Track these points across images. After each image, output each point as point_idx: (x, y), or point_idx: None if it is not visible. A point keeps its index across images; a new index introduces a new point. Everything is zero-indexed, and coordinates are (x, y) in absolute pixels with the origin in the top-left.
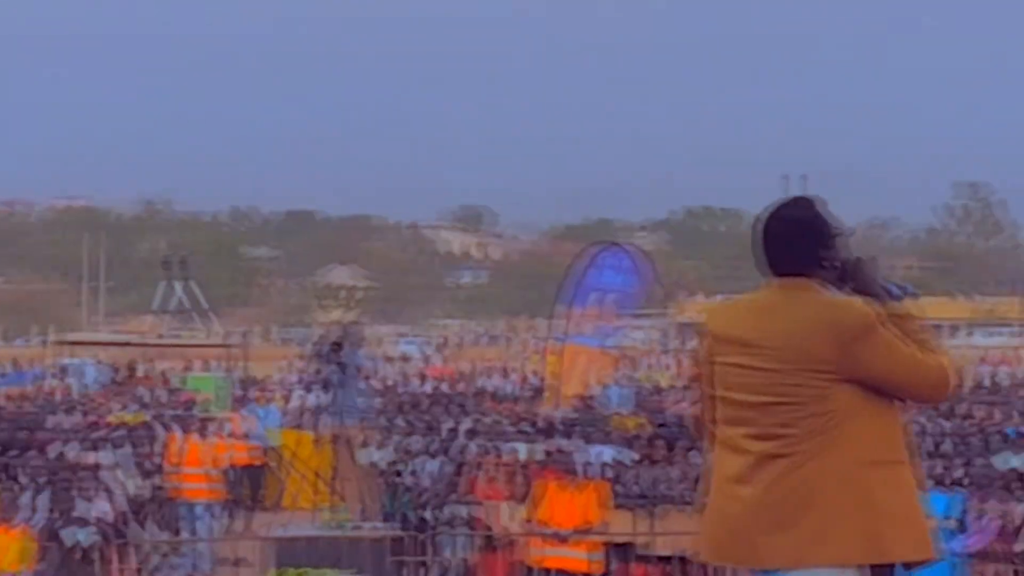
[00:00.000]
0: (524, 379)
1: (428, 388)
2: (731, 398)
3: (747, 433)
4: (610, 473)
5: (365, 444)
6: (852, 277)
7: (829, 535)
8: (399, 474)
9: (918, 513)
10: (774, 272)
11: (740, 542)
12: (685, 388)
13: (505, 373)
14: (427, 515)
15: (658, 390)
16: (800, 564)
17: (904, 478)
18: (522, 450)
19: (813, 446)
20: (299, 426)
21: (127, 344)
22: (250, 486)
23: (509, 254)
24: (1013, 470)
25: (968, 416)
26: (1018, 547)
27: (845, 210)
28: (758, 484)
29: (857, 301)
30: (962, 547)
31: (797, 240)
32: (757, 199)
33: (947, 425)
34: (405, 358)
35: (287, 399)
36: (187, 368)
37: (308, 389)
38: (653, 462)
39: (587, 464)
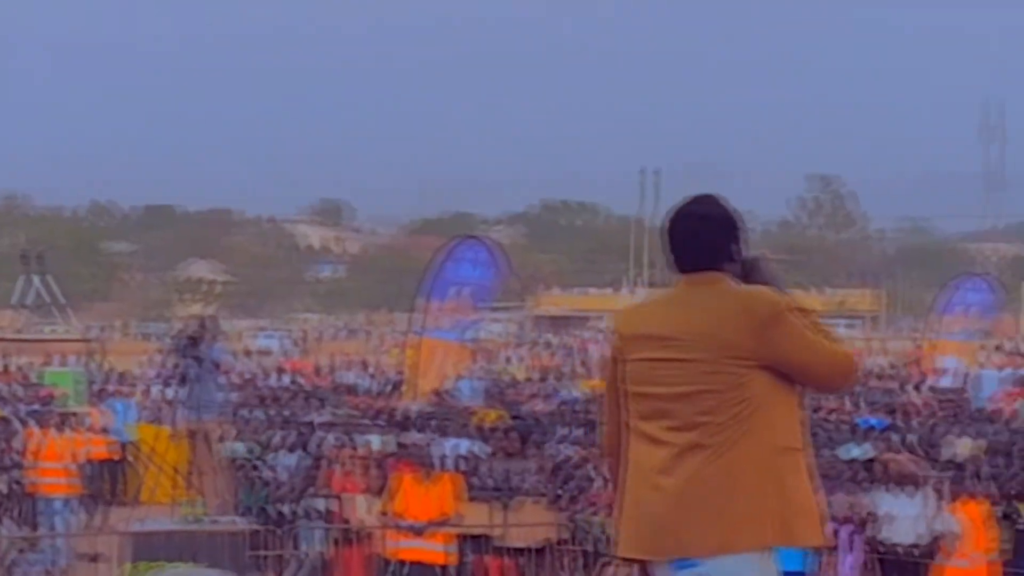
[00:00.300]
0: (382, 372)
1: (286, 382)
2: (649, 392)
3: (668, 425)
4: (465, 466)
5: (223, 438)
6: (751, 273)
7: (748, 522)
8: (256, 468)
9: (816, 500)
10: (685, 268)
11: (664, 534)
12: (541, 380)
13: (363, 367)
14: (285, 509)
15: (513, 383)
16: (722, 551)
17: (804, 465)
18: (377, 443)
19: (733, 434)
20: (157, 420)
21: None
22: (108, 481)
23: (367, 248)
24: (855, 460)
25: (817, 408)
26: (869, 534)
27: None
28: (680, 475)
29: (767, 289)
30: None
31: (708, 235)
32: (613, 193)
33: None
34: (264, 352)
35: (146, 393)
36: (45, 363)
37: (166, 383)
38: (507, 455)
39: (442, 457)
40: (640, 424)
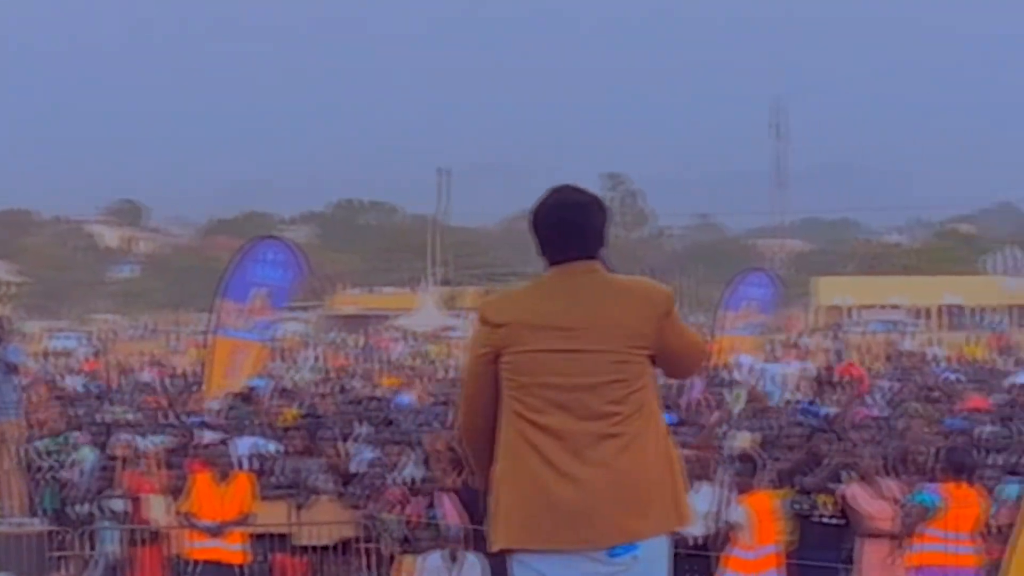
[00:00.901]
0: (179, 372)
1: (82, 382)
2: (549, 383)
3: (572, 416)
4: (257, 464)
5: (20, 440)
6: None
7: (662, 505)
8: (54, 469)
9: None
10: (570, 257)
11: (591, 523)
12: (335, 379)
13: (160, 366)
14: (82, 509)
15: (309, 382)
16: (638, 537)
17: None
18: (172, 443)
19: (638, 422)
20: None
21: None
22: None
23: (162, 248)
24: None
25: None
26: None
27: (492, 203)
28: (595, 464)
29: (650, 279)
30: None
31: (591, 223)
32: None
33: None
34: (61, 353)
35: None
36: None
37: None
38: (300, 453)
39: (237, 456)
40: (536, 416)
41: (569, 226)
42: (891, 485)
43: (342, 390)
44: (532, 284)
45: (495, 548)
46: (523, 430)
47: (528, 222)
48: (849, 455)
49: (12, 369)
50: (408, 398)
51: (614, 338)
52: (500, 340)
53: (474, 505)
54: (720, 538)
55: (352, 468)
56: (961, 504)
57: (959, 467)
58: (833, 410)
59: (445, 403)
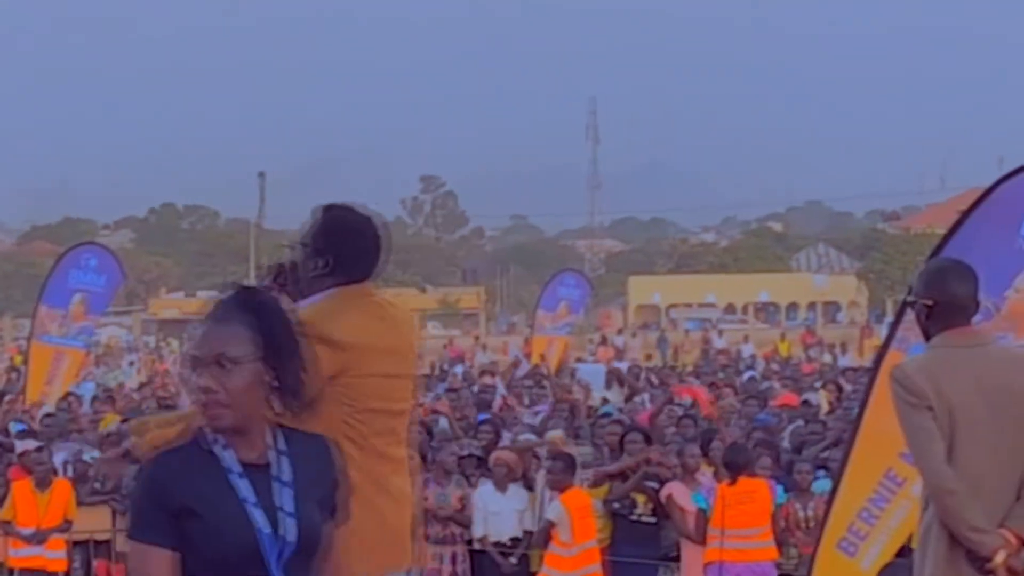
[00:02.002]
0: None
1: None
2: (384, 408)
3: (393, 440)
4: (75, 471)
5: None
6: (293, 280)
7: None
8: None
9: None
10: (366, 276)
11: (402, 547)
12: (153, 384)
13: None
14: None
15: (130, 387)
16: (421, 562)
17: None
18: None
19: (410, 447)
20: None
21: None
22: None
23: None
24: (471, 456)
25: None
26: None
27: (311, 205)
28: (408, 489)
29: None
30: None
31: (389, 242)
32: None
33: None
34: None
35: None
36: None
37: None
38: (120, 459)
39: (57, 463)
40: (373, 440)
41: (381, 242)
42: (712, 484)
43: (163, 395)
44: (351, 300)
45: None
46: (358, 456)
47: (322, 237)
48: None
49: None
50: None
51: (414, 363)
52: (346, 361)
53: None
54: (539, 537)
55: None
56: (742, 501)
57: (732, 465)
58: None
59: None
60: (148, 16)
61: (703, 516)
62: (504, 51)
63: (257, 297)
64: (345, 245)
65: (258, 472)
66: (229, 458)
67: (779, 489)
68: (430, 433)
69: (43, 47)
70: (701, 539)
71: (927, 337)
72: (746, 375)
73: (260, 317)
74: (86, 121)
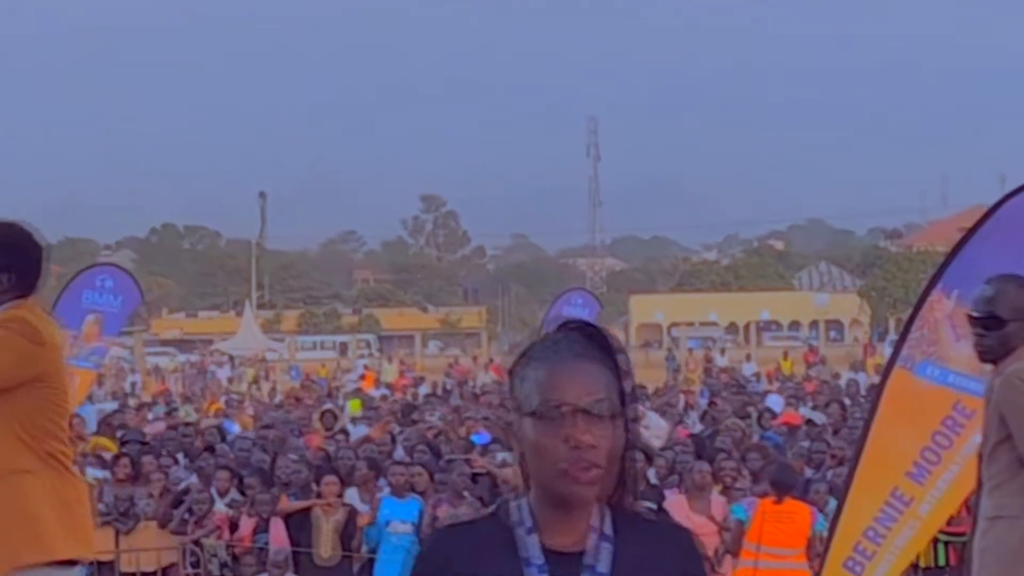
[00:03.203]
0: None
1: None
2: (68, 411)
3: (68, 439)
4: None
5: None
6: None
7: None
8: None
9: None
10: (38, 290)
11: (89, 536)
12: (156, 404)
13: None
14: None
15: (132, 407)
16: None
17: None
18: None
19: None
20: None
21: None
22: None
23: None
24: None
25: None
26: None
27: (311, 226)
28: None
29: None
30: None
31: (46, 259)
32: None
33: (408, 432)
34: None
35: None
36: None
37: None
38: (122, 480)
39: None
40: (63, 437)
41: (44, 257)
42: (719, 501)
43: (166, 415)
44: (34, 312)
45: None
46: (36, 461)
47: (2, 253)
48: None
49: None
50: (231, 423)
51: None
52: (53, 363)
53: (299, 530)
54: None
55: (176, 494)
56: (782, 519)
57: (780, 484)
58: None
59: (269, 426)
60: (147, 35)
61: (740, 527)
62: (504, 70)
63: (613, 340)
64: (23, 260)
65: (566, 563)
66: (532, 546)
67: (820, 517)
68: (437, 453)
69: (42, 66)
70: (736, 551)
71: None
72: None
73: (616, 364)
74: (87, 141)
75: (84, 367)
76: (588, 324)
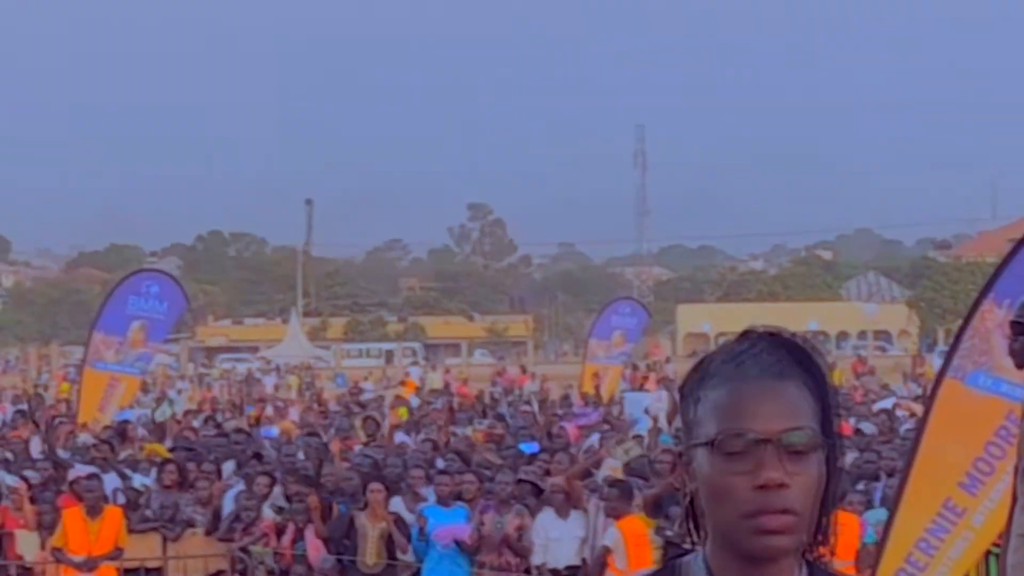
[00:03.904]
0: (47, 406)
1: None
2: None
3: None
4: (126, 499)
5: None
6: None
7: None
8: None
9: None
10: None
11: None
12: (204, 411)
13: (28, 400)
14: None
15: (181, 414)
16: None
17: None
18: (41, 478)
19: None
20: None
21: None
22: None
23: (22, 281)
24: (522, 483)
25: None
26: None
27: (357, 233)
28: None
29: None
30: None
31: None
32: (270, 223)
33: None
34: None
35: None
36: None
37: None
38: (171, 487)
39: (107, 490)
40: None
41: None
42: None
43: (212, 423)
44: None
45: None
46: None
47: None
48: None
49: None
50: (275, 430)
51: None
52: None
53: (345, 538)
54: (596, 564)
55: (223, 501)
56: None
57: None
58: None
59: (313, 434)
60: (195, 43)
61: None
62: (552, 78)
63: (814, 352)
64: None
65: None
66: None
67: (870, 529)
68: (467, 461)
69: (88, 77)
70: None
71: None
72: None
73: (818, 382)
74: (133, 148)
75: (129, 373)
76: (779, 332)
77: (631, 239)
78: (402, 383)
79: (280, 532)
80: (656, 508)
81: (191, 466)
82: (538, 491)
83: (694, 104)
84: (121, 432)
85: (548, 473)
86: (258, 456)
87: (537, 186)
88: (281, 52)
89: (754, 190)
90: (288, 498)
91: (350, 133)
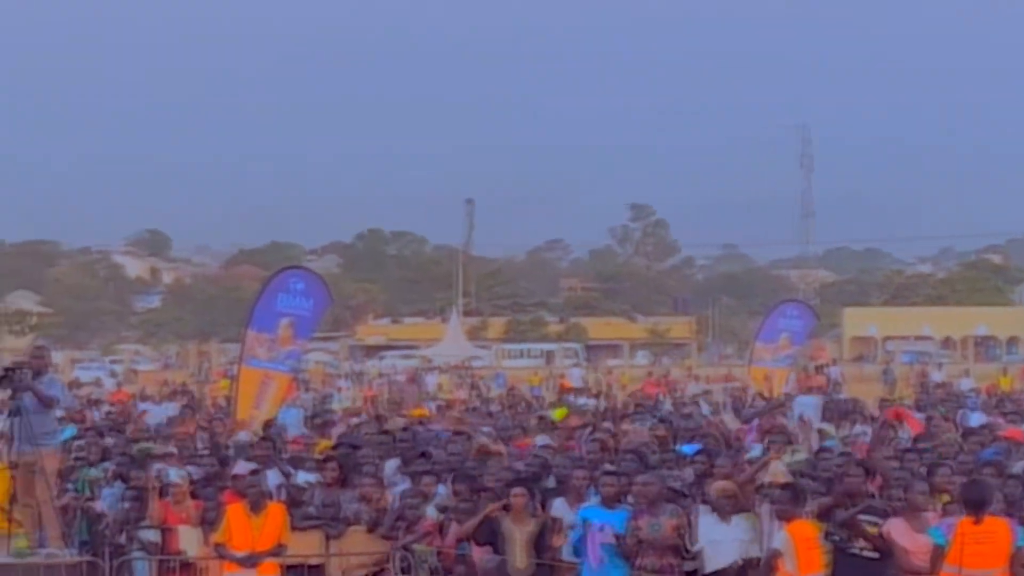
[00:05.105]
0: (207, 403)
1: (106, 413)
2: None
3: None
4: (288, 495)
5: (61, 471)
6: None
7: None
8: (90, 499)
9: None
10: None
11: None
12: (364, 410)
13: (187, 397)
14: (116, 540)
15: (338, 412)
16: None
17: None
18: (204, 473)
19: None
20: None
21: None
22: None
23: (182, 278)
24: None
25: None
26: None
27: (518, 233)
28: None
29: None
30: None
31: None
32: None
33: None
34: (85, 383)
35: None
36: None
37: None
38: (333, 484)
39: (270, 487)
40: None
41: None
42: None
43: (377, 420)
44: None
45: None
46: None
47: None
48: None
49: (50, 402)
50: (439, 429)
51: None
52: None
53: (494, 540)
54: (765, 566)
55: (386, 499)
56: (981, 540)
57: (971, 502)
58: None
59: (476, 433)
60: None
61: (940, 552)
62: (716, 79)
63: None
64: None
65: None
66: None
67: (1020, 531)
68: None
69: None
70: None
71: None
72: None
73: None
74: (294, 146)
75: (280, 371)
76: None
77: (796, 241)
78: (559, 383)
79: (443, 531)
80: (827, 514)
81: (354, 463)
82: (679, 494)
83: (860, 103)
84: (280, 429)
85: (708, 475)
86: (424, 455)
87: (700, 187)
88: (441, 52)
89: (921, 192)
90: (452, 497)
91: (512, 132)
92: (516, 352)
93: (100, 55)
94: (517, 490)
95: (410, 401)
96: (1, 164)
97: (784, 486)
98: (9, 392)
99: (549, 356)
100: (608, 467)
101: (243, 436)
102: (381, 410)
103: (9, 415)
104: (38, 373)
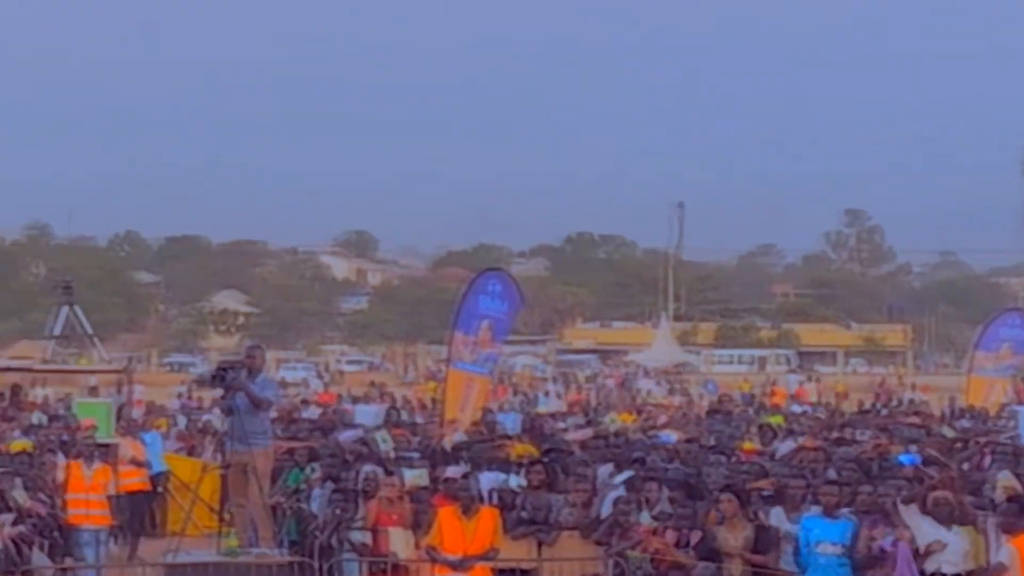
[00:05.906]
0: (415, 405)
1: (315, 414)
2: None
3: None
4: (499, 499)
5: (274, 471)
6: None
7: None
8: (300, 500)
9: None
10: None
11: None
12: (575, 414)
13: (393, 399)
14: (324, 541)
15: (550, 416)
16: None
17: None
18: (412, 476)
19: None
20: (187, 451)
21: (7, 369)
22: (137, 512)
23: (389, 279)
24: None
25: (853, 441)
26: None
27: (728, 237)
28: None
29: None
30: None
31: None
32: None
33: (839, 451)
34: (291, 383)
35: (173, 424)
36: (72, 394)
37: (206, 413)
38: (543, 488)
39: (480, 490)
40: None
41: None
42: None
43: (588, 424)
44: None
45: None
46: None
47: None
48: None
49: (261, 403)
50: (666, 436)
51: None
52: None
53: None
54: None
55: (599, 505)
56: None
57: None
58: None
59: (695, 439)
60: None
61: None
62: (937, 80)
63: None
64: None
65: None
66: None
67: None
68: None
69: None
70: None
71: None
72: None
73: None
74: (505, 148)
75: (479, 373)
76: None
77: (1016, 249)
78: (771, 390)
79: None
80: None
81: (565, 468)
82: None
83: None
84: (491, 432)
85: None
86: (641, 461)
87: (916, 192)
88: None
89: None
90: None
91: (723, 134)
92: (727, 358)
93: (333, 64)
94: (725, 496)
95: (620, 406)
96: (214, 167)
97: (1010, 499)
98: (222, 391)
99: (761, 362)
100: (831, 475)
101: (455, 438)
102: (590, 414)
103: (223, 414)
104: (252, 373)
